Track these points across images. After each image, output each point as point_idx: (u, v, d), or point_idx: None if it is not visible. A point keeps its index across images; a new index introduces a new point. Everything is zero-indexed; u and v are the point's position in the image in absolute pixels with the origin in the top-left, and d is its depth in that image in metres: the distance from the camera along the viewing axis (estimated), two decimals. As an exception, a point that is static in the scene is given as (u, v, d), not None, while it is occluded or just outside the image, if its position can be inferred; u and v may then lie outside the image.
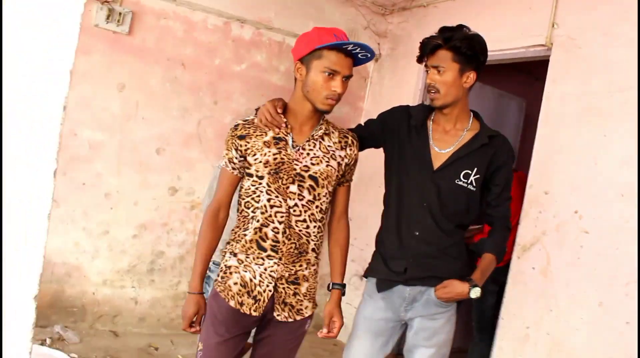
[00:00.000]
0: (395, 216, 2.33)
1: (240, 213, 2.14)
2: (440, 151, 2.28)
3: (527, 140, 4.09)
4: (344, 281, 2.25)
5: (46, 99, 1.07)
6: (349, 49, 1.98)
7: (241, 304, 2.06)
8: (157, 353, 3.86)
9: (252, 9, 4.21)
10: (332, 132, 2.17)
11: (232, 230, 2.17)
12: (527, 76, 5.01)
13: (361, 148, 2.33)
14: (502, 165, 2.28)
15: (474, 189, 2.25)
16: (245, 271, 2.07)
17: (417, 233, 2.27)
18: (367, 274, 2.43)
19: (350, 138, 2.20)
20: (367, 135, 2.39)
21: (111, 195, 3.93)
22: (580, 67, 3.21)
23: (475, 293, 2.19)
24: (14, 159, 1.01)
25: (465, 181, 2.24)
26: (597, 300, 2.92)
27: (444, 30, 2.22)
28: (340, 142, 2.16)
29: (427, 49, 2.22)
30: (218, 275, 2.13)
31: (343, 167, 2.16)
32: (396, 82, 4.71)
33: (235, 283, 2.07)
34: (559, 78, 3.32)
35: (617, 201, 2.90)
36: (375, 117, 2.50)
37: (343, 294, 2.24)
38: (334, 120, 4.93)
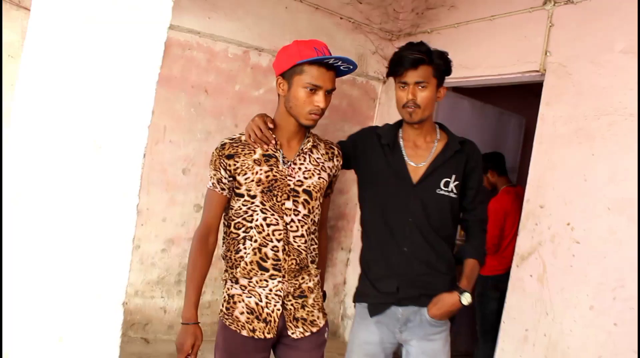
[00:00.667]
0: (380, 235, 2.31)
1: (229, 236, 2.07)
2: (417, 165, 2.28)
3: (527, 156, 4.39)
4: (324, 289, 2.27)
5: (127, 155, 1.42)
6: (332, 64, 1.95)
7: (253, 330, 2.00)
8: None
9: (268, 39, 4.54)
10: (319, 144, 2.16)
11: (223, 256, 2.11)
12: (527, 92, 5.30)
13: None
14: (474, 168, 2.31)
15: (455, 196, 2.26)
16: (250, 297, 2.01)
17: (406, 250, 2.25)
18: (356, 299, 2.39)
19: (335, 149, 2.21)
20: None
21: (142, 212, 4.26)
22: (570, 92, 3.52)
23: (466, 298, 2.17)
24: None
25: (446, 189, 2.25)
26: (588, 304, 3.21)
27: (415, 45, 2.22)
28: (327, 153, 2.16)
29: (408, 64, 2.16)
30: (222, 305, 2.07)
31: (331, 178, 2.17)
32: (391, 102, 5.02)
33: (242, 313, 2.01)
34: (552, 102, 3.63)
35: (604, 214, 3.20)
36: (348, 136, 2.55)
37: (323, 301, 2.22)
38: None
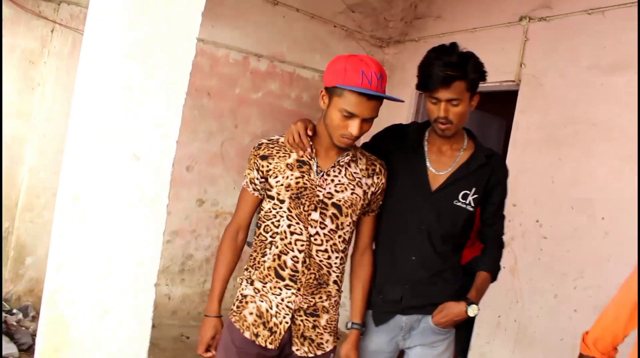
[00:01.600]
0: (389, 240, 2.23)
1: (258, 237, 2.02)
2: (438, 172, 2.17)
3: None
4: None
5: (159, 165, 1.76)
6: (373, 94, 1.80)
7: (257, 335, 1.94)
8: (188, 342, 4.53)
9: (267, 45, 4.88)
10: (360, 158, 2.03)
11: (250, 255, 2.06)
12: (507, 97, 5.65)
13: None
14: (497, 184, 2.20)
15: (472, 209, 2.15)
16: (262, 301, 1.96)
17: (414, 258, 2.16)
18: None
19: (378, 165, 2.06)
20: None
21: (148, 206, 4.60)
22: (541, 102, 3.88)
23: (473, 310, 2.08)
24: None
25: (464, 201, 2.14)
26: (553, 293, 3.59)
27: (445, 53, 2.05)
28: (367, 169, 2.02)
29: (439, 82, 2.00)
30: (234, 304, 2.03)
31: (369, 196, 2.03)
32: (393, 106, 5.36)
33: (251, 313, 1.96)
34: (525, 110, 4.00)
35: (568, 213, 3.57)
36: (372, 136, 2.42)
37: (362, 334, 2.13)
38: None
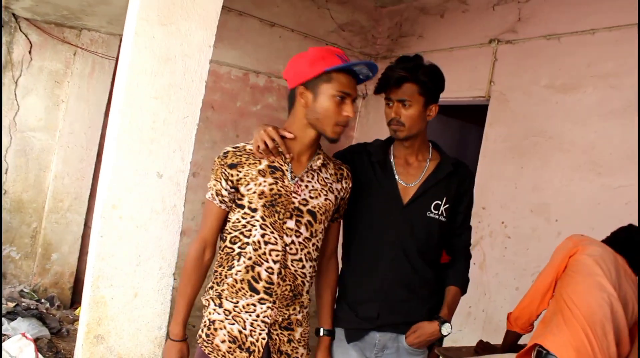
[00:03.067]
0: (363, 257, 2.17)
1: (223, 250, 1.91)
2: (407, 184, 2.14)
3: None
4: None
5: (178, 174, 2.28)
6: (356, 70, 1.82)
7: None
8: (193, 330, 5.04)
9: (265, 63, 5.40)
10: (328, 163, 1.97)
11: (215, 270, 1.93)
12: (484, 109, 6.17)
13: None
14: (465, 193, 2.18)
15: (445, 219, 2.11)
16: (233, 324, 1.83)
17: (390, 273, 2.11)
18: (334, 324, 2.16)
19: (345, 170, 2.01)
20: None
21: (158, 208, 5.14)
22: (507, 116, 4.40)
23: (447, 329, 2.05)
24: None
25: (437, 212, 2.11)
26: (515, 286, 4.10)
27: (405, 60, 2.11)
28: (336, 174, 1.97)
29: (392, 82, 2.06)
30: (202, 331, 1.89)
31: (339, 201, 1.98)
32: (379, 116, 5.84)
33: (223, 341, 1.83)
34: (494, 123, 4.51)
35: (528, 216, 4.09)
36: (334, 154, 2.36)
37: (332, 339, 2.09)
38: (328, 148, 6.20)
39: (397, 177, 2.14)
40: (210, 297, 1.91)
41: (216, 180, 1.88)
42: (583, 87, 3.89)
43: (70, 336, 4.03)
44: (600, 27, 3.82)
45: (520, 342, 2.63)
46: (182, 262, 2.05)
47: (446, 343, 4.55)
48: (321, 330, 2.06)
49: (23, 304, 4.03)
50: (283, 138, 1.87)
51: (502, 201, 4.32)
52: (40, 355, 3.26)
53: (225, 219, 1.92)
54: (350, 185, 2.03)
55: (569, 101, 3.96)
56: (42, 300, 4.35)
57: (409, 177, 2.15)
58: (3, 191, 4.45)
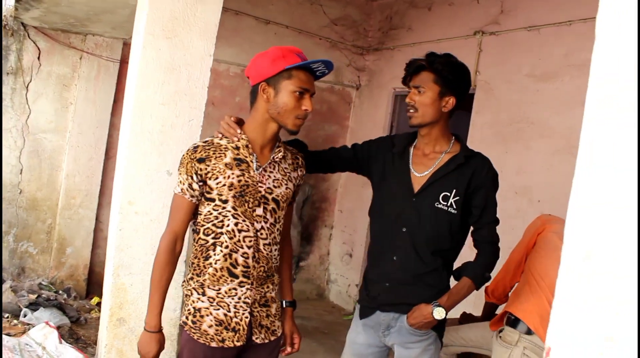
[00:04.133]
0: (378, 241, 2.32)
1: (197, 242, 2.02)
2: (419, 174, 2.21)
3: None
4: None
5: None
6: (313, 68, 1.96)
7: (223, 341, 1.96)
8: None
9: (261, 59, 5.65)
10: (287, 154, 2.11)
11: (191, 263, 2.05)
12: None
13: (337, 169, 2.48)
14: (480, 186, 2.17)
15: (455, 211, 2.14)
16: (218, 309, 1.96)
17: (395, 258, 2.22)
18: (357, 300, 2.42)
19: (300, 159, 2.16)
20: (348, 156, 2.41)
21: (164, 201, 5.41)
22: (492, 104, 4.64)
23: (439, 313, 2.10)
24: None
25: (445, 203, 2.14)
26: (502, 262, 4.31)
27: (430, 54, 2.19)
28: (293, 164, 2.12)
29: (411, 70, 2.18)
30: (187, 318, 1.99)
31: (295, 187, 2.13)
32: (372, 106, 6.14)
33: (210, 326, 1.96)
34: (480, 111, 4.76)
35: (512, 198, 4.34)
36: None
37: (294, 309, 2.24)
38: (325, 137, 6.42)
39: (410, 166, 2.24)
40: (193, 287, 1.99)
41: (187, 175, 1.95)
42: (561, 76, 4.12)
43: (88, 324, 4.31)
44: (576, 19, 4.04)
45: (498, 312, 2.90)
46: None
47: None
48: (283, 302, 2.20)
49: (43, 295, 4.32)
50: (239, 123, 2.07)
51: (489, 185, 4.57)
52: (63, 341, 3.54)
53: (193, 213, 2.01)
54: (304, 173, 2.17)
55: (549, 89, 4.20)
56: (60, 292, 4.64)
57: (422, 167, 2.22)
58: (19, 191, 4.72)
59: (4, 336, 3.45)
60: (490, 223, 2.23)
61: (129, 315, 2.52)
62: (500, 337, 2.43)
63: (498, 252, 2.26)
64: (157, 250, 2.02)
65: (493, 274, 4.08)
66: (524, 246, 2.64)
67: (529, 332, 2.31)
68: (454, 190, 2.14)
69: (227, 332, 1.95)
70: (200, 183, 1.94)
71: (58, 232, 4.87)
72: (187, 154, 1.97)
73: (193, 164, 1.93)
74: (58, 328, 3.68)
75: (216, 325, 1.95)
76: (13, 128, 4.64)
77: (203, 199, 1.97)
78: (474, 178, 2.15)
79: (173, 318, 2.61)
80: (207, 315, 1.95)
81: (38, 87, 4.70)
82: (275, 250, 2.06)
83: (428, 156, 2.22)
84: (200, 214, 1.99)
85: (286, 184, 2.05)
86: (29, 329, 3.70)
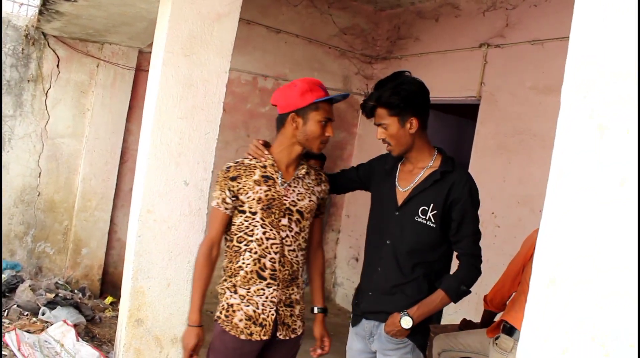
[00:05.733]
0: (367, 253, 2.45)
1: (231, 249, 2.27)
2: (403, 189, 2.30)
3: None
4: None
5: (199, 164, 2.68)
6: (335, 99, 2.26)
7: (251, 334, 2.20)
8: (212, 315, 5.46)
9: (272, 67, 5.79)
10: (310, 171, 2.36)
11: (225, 266, 2.30)
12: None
13: (348, 189, 2.68)
14: (456, 200, 2.19)
15: (433, 225, 2.20)
16: (248, 306, 2.21)
17: (379, 269, 2.32)
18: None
19: (323, 175, 2.42)
20: (352, 177, 2.60)
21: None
22: (496, 115, 4.77)
23: (406, 322, 2.18)
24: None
25: (424, 217, 2.21)
26: (503, 270, 4.49)
27: (376, 86, 2.28)
28: (316, 179, 2.37)
29: (367, 112, 2.28)
30: (221, 313, 2.26)
31: (319, 201, 2.36)
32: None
33: (241, 320, 2.21)
34: (484, 121, 4.89)
35: (515, 206, 4.48)
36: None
37: (325, 315, 2.45)
38: (333, 144, 6.54)
39: (397, 183, 2.35)
40: (226, 287, 2.27)
41: (221, 191, 2.26)
42: (564, 88, 4.24)
43: (102, 322, 4.47)
44: (578, 34, 4.17)
45: (496, 319, 3.03)
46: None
47: (443, 322, 4.98)
48: (315, 308, 2.44)
49: (60, 294, 4.48)
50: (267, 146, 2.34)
51: (492, 193, 4.70)
52: (80, 339, 3.70)
53: (227, 223, 2.29)
54: (328, 187, 2.43)
55: (551, 102, 4.32)
56: (75, 291, 4.80)
57: (405, 182, 2.32)
58: (37, 193, 4.89)
59: (24, 333, 3.62)
60: (469, 237, 2.23)
61: (146, 316, 2.67)
62: (496, 343, 2.56)
63: (478, 265, 2.28)
64: (197, 254, 2.35)
65: (491, 284, 4.23)
66: (521, 258, 2.78)
67: (523, 339, 2.44)
68: (432, 204, 2.20)
69: (255, 327, 2.21)
70: (233, 198, 2.23)
71: (74, 233, 5.03)
72: (221, 173, 2.29)
73: (226, 182, 2.24)
74: (75, 326, 3.83)
75: (246, 319, 2.21)
76: (32, 133, 4.82)
77: (236, 211, 2.25)
78: (452, 192, 2.19)
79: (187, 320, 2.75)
80: (238, 310, 2.22)
81: (57, 93, 4.87)
82: (301, 255, 2.30)
83: (412, 172, 2.31)
84: (234, 224, 2.26)
85: (309, 197, 2.30)
86: (47, 327, 3.86)
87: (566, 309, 0.78)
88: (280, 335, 2.26)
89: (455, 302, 2.29)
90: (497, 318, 3.02)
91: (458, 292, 2.22)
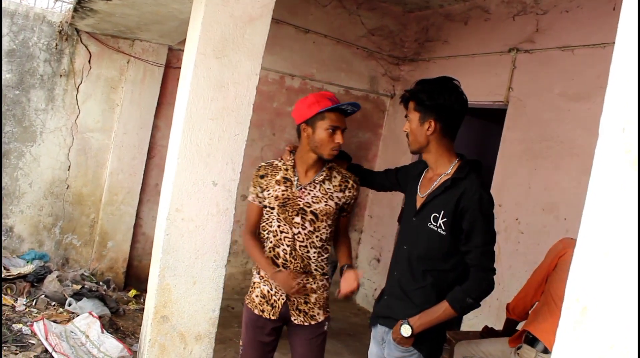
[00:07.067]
0: (392, 257, 2.54)
1: (260, 235, 2.61)
2: (422, 195, 2.32)
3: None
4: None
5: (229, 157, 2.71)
6: (343, 108, 2.43)
7: (262, 311, 2.52)
8: (233, 312, 5.52)
9: (300, 67, 5.83)
10: (335, 177, 2.55)
11: None
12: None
13: (386, 188, 2.76)
14: (465, 209, 2.13)
15: (444, 233, 2.17)
16: (264, 285, 2.55)
17: (395, 274, 2.38)
18: None
19: (350, 181, 2.57)
20: (393, 179, 2.67)
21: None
22: (523, 121, 4.75)
23: (406, 330, 2.18)
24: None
25: (435, 224, 2.20)
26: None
27: (418, 82, 2.32)
28: (340, 185, 2.54)
29: (403, 102, 2.34)
30: (249, 290, 2.66)
31: (341, 205, 2.54)
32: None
33: (257, 296, 2.56)
34: (511, 126, 4.87)
35: (540, 213, 4.45)
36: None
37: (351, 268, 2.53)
38: (358, 144, 6.54)
39: (418, 189, 2.37)
40: (255, 267, 2.64)
41: (254, 187, 2.61)
42: (593, 97, 4.20)
43: (126, 315, 4.56)
44: (610, 42, 4.12)
45: (518, 328, 3.03)
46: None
47: (463, 328, 4.98)
48: (343, 267, 2.54)
49: (86, 286, 4.57)
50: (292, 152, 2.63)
51: (516, 199, 4.68)
52: (104, 331, 3.78)
53: (261, 214, 2.60)
54: (355, 193, 2.58)
55: (580, 109, 4.28)
56: (100, 283, 4.89)
57: (424, 189, 2.34)
58: (66, 186, 4.99)
59: (51, 323, 3.70)
60: (477, 248, 2.13)
61: (172, 313, 2.71)
62: (518, 353, 2.57)
63: (488, 277, 2.15)
64: (244, 240, 2.67)
65: (514, 291, 4.23)
66: (545, 268, 2.77)
67: (545, 350, 2.45)
68: (442, 211, 2.17)
69: (267, 305, 2.52)
70: (262, 193, 2.56)
71: (100, 226, 5.12)
72: (255, 171, 2.64)
73: (257, 179, 2.60)
74: (100, 318, 3.91)
75: (261, 296, 2.55)
76: (63, 127, 4.91)
77: (264, 206, 2.57)
78: (462, 200, 2.14)
79: (212, 318, 2.79)
80: (257, 288, 2.58)
81: (88, 89, 4.95)
82: (314, 252, 2.50)
83: (431, 179, 2.31)
84: (263, 216, 2.59)
85: (326, 201, 2.50)
86: (73, 317, 3.95)
87: (598, 336, 0.79)
88: (295, 320, 2.50)
89: (460, 315, 2.24)
90: (519, 327, 3.02)
91: (463, 304, 2.14)
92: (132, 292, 5.05)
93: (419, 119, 2.22)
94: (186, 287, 2.71)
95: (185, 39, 2.98)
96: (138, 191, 5.24)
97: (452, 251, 2.19)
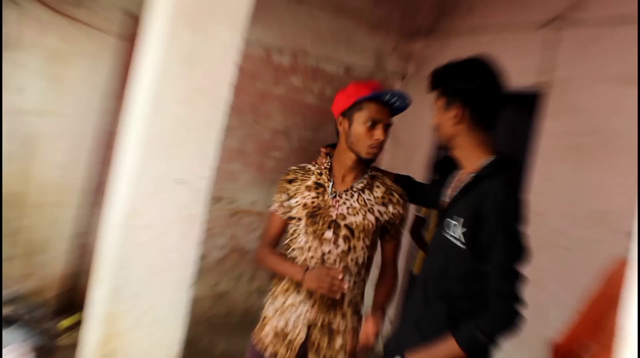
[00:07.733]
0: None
1: (284, 252, 2.56)
2: (447, 199, 2.30)
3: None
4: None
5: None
6: (386, 99, 2.38)
7: (275, 354, 2.44)
8: (199, 347, 5.26)
9: (290, 40, 5.66)
10: (378, 186, 2.50)
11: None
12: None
13: (435, 203, 2.46)
14: (487, 216, 1.99)
15: (463, 246, 2.05)
16: (279, 321, 2.46)
17: (414, 295, 2.33)
18: None
19: (396, 196, 2.50)
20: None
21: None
22: (565, 110, 4.56)
23: None
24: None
25: (453, 234, 2.10)
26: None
27: (444, 65, 2.30)
28: (383, 198, 2.48)
29: (430, 90, 2.33)
30: (257, 325, 2.58)
31: (382, 223, 2.44)
32: (420, 99, 6.08)
33: (268, 335, 2.48)
34: (551, 117, 4.69)
35: (588, 226, 4.26)
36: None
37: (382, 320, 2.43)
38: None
39: (445, 191, 2.36)
40: (270, 295, 2.56)
41: (279, 193, 2.56)
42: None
43: (61, 346, 4.36)
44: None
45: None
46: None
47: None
48: (369, 312, 2.45)
49: (13, 311, 4.37)
50: (328, 155, 2.60)
51: (559, 207, 4.50)
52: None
53: (284, 229, 2.58)
54: (401, 211, 2.51)
55: (636, 95, 4.11)
56: (28, 308, 4.68)
57: (450, 192, 2.31)
58: None
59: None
60: (496, 269, 1.97)
61: (117, 349, 2.51)
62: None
63: (508, 307, 1.96)
64: (258, 258, 2.63)
65: (558, 324, 4.06)
66: (602, 299, 2.59)
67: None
68: (462, 219, 2.07)
69: (280, 347, 2.44)
70: (287, 201, 2.52)
71: (28, 235, 4.86)
72: (283, 175, 2.60)
73: (284, 185, 2.55)
74: (29, 350, 3.71)
75: (273, 335, 2.47)
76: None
77: (289, 218, 2.53)
78: (483, 205, 2.01)
79: (171, 356, 2.60)
80: (268, 324, 2.50)
81: (26, 61, 4.73)
82: (348, 280, 2.39)
83: (460, 179, 2.28)
84: (288, 231, 2.55)
85: (364, 214, 2.42)
86: (-1, 350, 3.75)
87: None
88: None
89: (469, 355, 1.97)
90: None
91: (471, 341, 1.96)
92: (68, 321, 4.80)
93: (444, 105, 2.22)
94: (138, 315, 2.51)
95: (149, 4, 2.81)
96: (80, 190, 5.03)
97: (471, 272, 2.06)
